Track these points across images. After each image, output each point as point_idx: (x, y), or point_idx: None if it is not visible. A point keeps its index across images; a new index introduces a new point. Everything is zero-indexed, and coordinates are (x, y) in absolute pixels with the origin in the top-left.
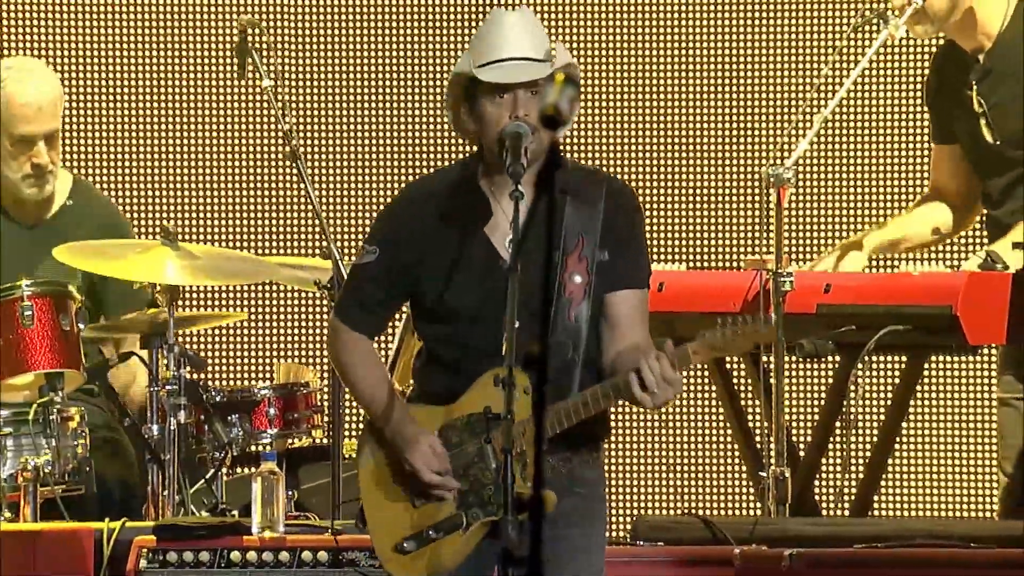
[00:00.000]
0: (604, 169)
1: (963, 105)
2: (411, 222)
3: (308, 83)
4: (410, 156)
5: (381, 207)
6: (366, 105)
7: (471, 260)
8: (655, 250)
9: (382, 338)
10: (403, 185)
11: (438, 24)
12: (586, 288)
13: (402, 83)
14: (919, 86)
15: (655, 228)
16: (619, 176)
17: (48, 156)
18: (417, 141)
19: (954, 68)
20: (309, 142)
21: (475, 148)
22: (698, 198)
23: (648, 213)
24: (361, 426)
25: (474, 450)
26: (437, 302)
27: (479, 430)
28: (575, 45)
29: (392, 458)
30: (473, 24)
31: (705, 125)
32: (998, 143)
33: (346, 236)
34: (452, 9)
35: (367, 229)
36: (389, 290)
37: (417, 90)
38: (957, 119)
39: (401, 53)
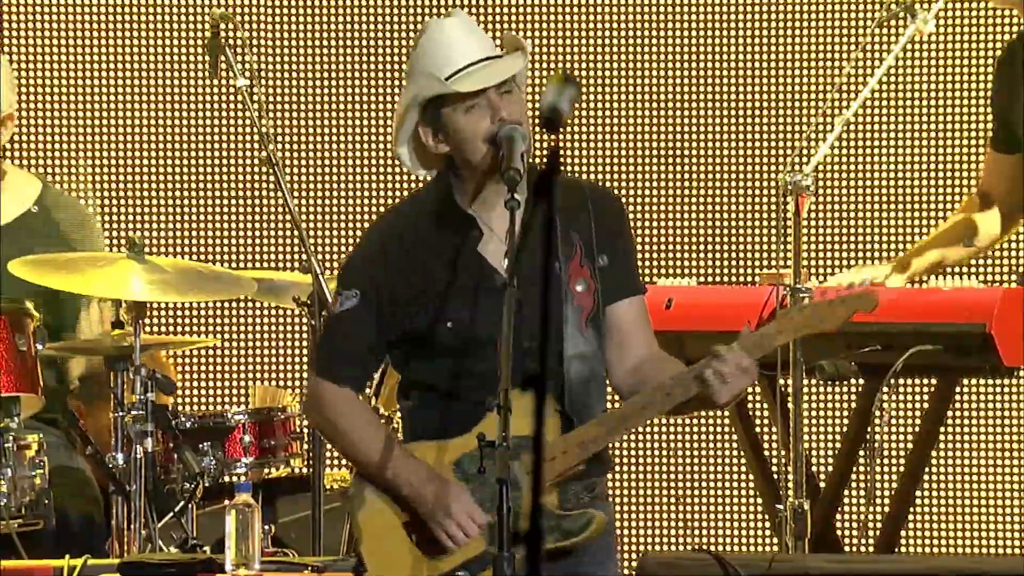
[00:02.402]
0: (610, 176)
1: None
2: (391, 257)
3: (286, 83)
4: (397, 163)
5: (361, 220)
6: (349, 107)
7: (467, 284)
8: (663, 264)
9: None
10: (383, 199)
11: (419, 15)
12: (595, 295)
13: (390, 84)
14: (949, 86)
15: (663, 240)
16: (627, 184)
17: None
18: None
19: (1022, 61)
20: (287, 146)
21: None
22: (709, 207)
23: (656, 224)
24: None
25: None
26: (434, 334)
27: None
28: (581, 48)
29: (399, 506)
30: (488, 15)
31: (718, 129)
32: None
33: (327, 249)
34: (440, 6)
35: (350, 241)
36: (379, 334)
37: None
38: (1022, 117)
39: (387, 53)
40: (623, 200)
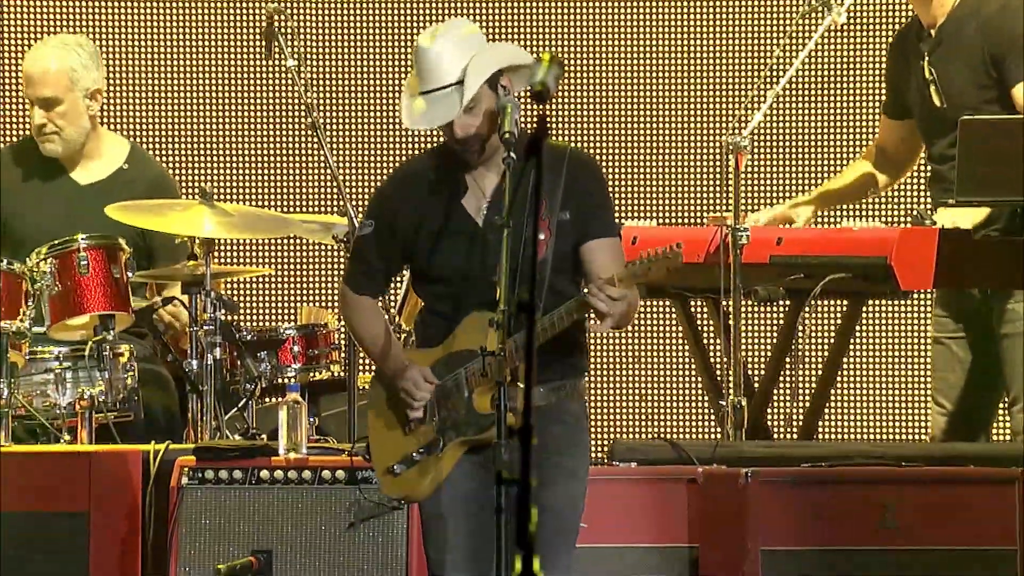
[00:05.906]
0: (587, 139)
1: (916, 75)
2: (399, 198)
3: (327, 62)
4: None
5: (386, 173)
6: (377, 81)
7: (453, 229)
8: (631, 208)
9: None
10: (404, 157)
11: (437, 9)
12: (547, 243)
13: (404, 67)
14: (859, 66)
15: (631, 189)
16: (601, 145)
17: (45, 119)
18: None
19: (911, 44)
20: (328, 114)
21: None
22: (667, 163)
23: (625, 176)
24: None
25: (452, 381)
26: (427, 266)
27: (458, 364)
28: (549, 17)
29: (391, 393)
30: (484, 4)
31: (675, 100)
32: (944, 107)
33: (360, 196)
34: None
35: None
36: (386, 256)
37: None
38: (910, 89)
39: (403, 41)
40: (600, 162)
